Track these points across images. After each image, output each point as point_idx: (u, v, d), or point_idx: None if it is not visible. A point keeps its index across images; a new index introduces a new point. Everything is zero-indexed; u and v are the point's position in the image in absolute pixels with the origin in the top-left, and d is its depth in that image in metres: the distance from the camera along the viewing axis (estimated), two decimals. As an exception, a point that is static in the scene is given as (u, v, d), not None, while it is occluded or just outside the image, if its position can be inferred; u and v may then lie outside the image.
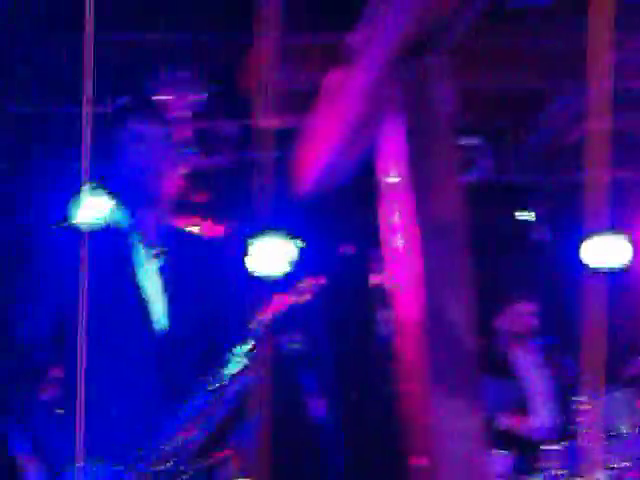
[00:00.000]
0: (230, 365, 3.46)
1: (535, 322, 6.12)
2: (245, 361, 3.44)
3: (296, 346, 3.23)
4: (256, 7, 5.29)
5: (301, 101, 6.16)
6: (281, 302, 3.47)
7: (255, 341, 3.44)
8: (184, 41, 5.58)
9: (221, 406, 3.44)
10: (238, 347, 3.47)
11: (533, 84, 5.76)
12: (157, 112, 3.64)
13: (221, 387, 3.42)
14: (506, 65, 5.45)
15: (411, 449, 4.20)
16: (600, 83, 5.38)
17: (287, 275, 6.18)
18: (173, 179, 3.57)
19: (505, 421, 5.55)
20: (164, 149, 3.56)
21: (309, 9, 5.09)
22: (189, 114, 6.13)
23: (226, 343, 3.53)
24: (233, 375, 3.45)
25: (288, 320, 3.34)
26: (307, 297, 3.57)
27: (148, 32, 5.61)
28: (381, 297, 5.57)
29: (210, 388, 3.42)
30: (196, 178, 3.92)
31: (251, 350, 3.45)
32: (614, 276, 6.84)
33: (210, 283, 3.70)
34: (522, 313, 6.08)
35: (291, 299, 3.56)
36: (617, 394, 5.37)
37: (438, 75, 4.39)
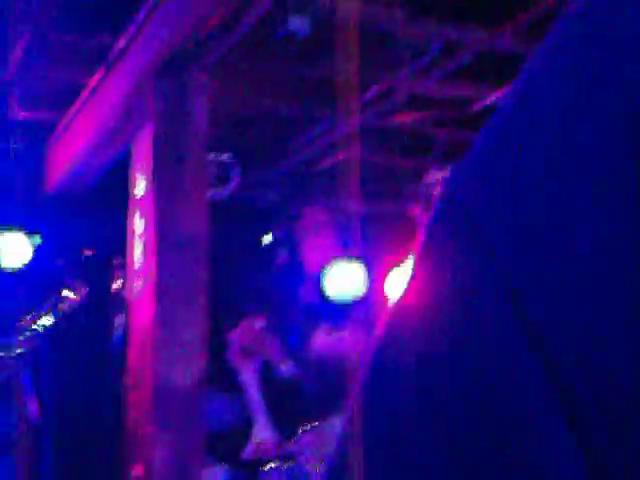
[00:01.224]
0: None
1: (264, 337, 6.18)
2: None
3: (19, 350, 3.20)
4: None
5: (59, 98, 6.08)
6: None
7: None
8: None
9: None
10: None
11: (289, 110, 5.90)
12: None
13: None
14: (264, 88, 5.55)
15: (129, 458, 4.22)
16: (349, 115, 5.57)
17: (19, 272, 6.05)
18: None
19: (249, 450, 5.58)
20: None
21: (78, 9, 5.03)
22: None
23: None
24: None
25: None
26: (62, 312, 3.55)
27: None
28: (120, 304, 5.54)
29: None
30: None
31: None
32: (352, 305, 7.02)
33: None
34: (252, 328, 6.15)
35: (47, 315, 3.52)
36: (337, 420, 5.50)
37: (194, 91, 4.45)
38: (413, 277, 0.62)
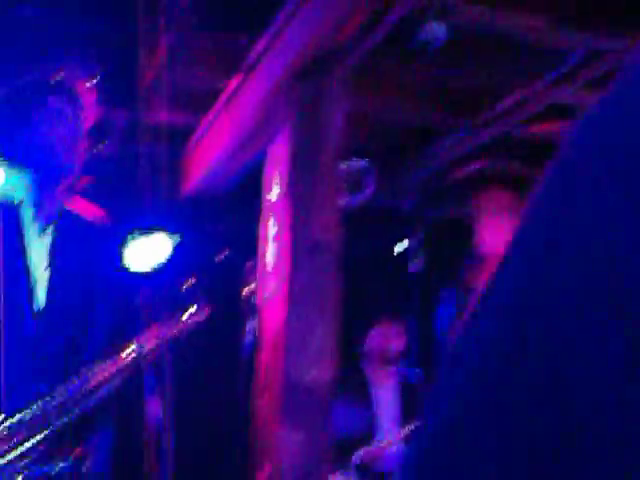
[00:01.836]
0: (99, 366, 3.44)
1: (401, 345, 6.12)
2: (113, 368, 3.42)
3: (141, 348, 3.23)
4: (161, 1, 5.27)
5: (197, 101, 6.15)
6: (160, 333, 3.47)
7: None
8: (81, 26, 5.52)
9: (84, 402, 3.40)
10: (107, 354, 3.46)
11: (425, 117, 5.86)
12: (75, 92, 3.65)
13: (87, 385, 3.38)
14: (402, 95, 5.53)
15: (255, 462, 4.23)
16: (486, 124, 5.50)
17: (160, 272, 6.14)
18: (79, 159, 3.58)
19: (362, 455, 5.56)
20: (78, 129, 3.57)
21: (216, 10, 5.09)
22: (93, 98, 6.07)
23: (93, 336, 3.51)
24: (99, 377, 3.42)
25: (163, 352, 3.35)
26: (185, 330, 3.58)
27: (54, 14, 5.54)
28: (252, 308, 5.58)
29: (77, 381, 3.39)
30: (85, 162, 3.91)
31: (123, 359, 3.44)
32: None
33: (89, 267, 3.69)
34: (389, 335, 6.10)
35: (170, 331, 3.56)
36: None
37: (332, 96, 4.45)
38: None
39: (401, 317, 6.43)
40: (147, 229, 6.42)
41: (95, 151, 6.64)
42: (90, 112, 3.76)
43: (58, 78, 3.80)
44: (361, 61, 4.44)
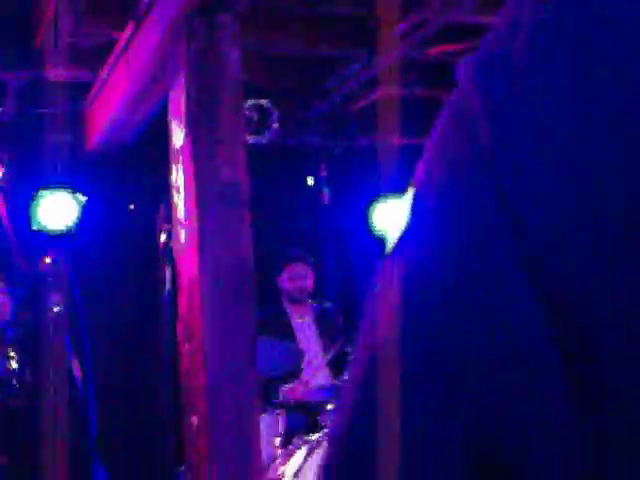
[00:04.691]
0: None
1: (308, 283, 6.17)
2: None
3: (57, 308, 3.18)
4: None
5: (93, 55, 6.05)
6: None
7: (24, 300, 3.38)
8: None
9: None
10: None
11: (324, 49, 5.84)
12: None
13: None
14: (297, 29, 5.49)
15: (185, 408, 4.23)
16: (390, 51, 5.50)
17: (70, 231, 6.08)
18: None
19: (285, 389, 5.59)
20: None
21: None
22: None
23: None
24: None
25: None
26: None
27: None
28: (168, 256, 5.55)
29: None
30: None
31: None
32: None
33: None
34: (296, 274, 6.14)
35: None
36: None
37: (227, 35, 4.39)
38: (424, 185, 0.58)
39: (310, 255, 6.46)
40: (53, 187, 6.35)
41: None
42: None
43: None
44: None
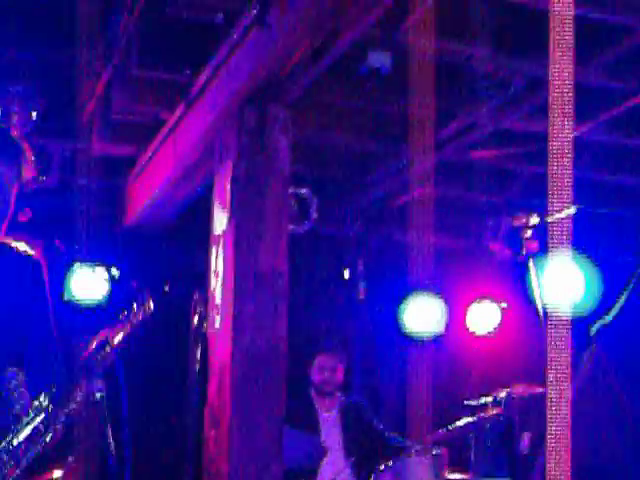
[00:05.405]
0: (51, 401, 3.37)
1: (337, 376, 6.09)
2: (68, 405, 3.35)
3: (99, 394, 3.16)
4: (105, 32, 5.23)
5: (139, 133, 6.11)
6: (108, 334, 3.40)
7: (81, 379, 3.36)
8: (19, 57, 5.47)
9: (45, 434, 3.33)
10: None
11: (368, 145, 5.88)
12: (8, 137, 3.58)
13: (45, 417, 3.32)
14: (344, 124, 5.53)
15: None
16: (424, 152, 5.53)
17: (104, 304, 6.09)
18: (12, 197, 3.51)
19: None
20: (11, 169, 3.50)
21: (160, 44, 5.05)
22: (25, 130, 6.00)
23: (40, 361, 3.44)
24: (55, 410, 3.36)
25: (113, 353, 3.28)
26: (132, 326, 3.51)
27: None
28: (198, 337, 5.53)
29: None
30: (21, 195, 3.83)
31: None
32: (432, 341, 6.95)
33: (26, 300, 3.63)
34: (325, 365, 6.06)
35: (119, 331, 3.49)
36: (416, 459, 5.37)
37: (276, 126, 4.43)
38: None
39: (342, 348, 6.41)
40: (88, 262, 6.37)
41: (35, 184, 6.58)
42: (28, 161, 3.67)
43: None
44: (306, 90, 4.43)
